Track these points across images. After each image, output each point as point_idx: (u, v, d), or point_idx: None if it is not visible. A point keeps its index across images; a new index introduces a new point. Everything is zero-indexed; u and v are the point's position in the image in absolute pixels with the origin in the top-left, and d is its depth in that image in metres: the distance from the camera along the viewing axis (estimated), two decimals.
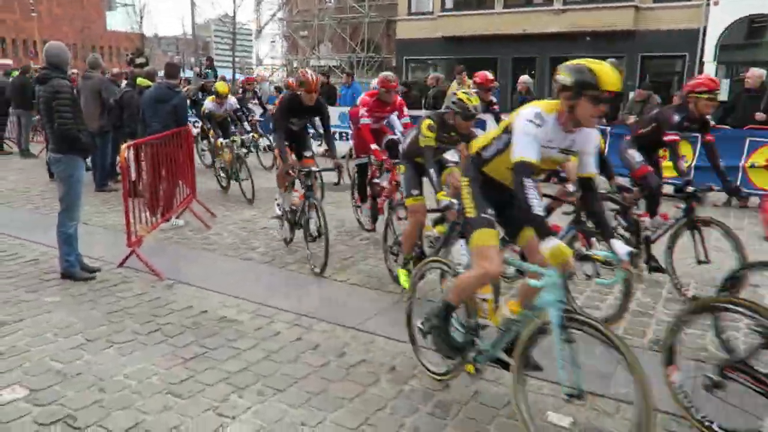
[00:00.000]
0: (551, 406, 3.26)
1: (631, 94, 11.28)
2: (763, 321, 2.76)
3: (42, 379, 3.40)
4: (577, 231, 4.77)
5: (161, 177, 6.79)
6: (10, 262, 5.56)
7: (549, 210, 5.56)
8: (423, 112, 10.42)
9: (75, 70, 13.68)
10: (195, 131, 10.72)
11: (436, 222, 4.84)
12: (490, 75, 7.85)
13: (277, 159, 9.14)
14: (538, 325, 2.80)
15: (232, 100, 9.55)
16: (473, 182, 3.24)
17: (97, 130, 8.78)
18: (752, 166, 8.42)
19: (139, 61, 15.47)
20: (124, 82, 9.92)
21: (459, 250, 3.99)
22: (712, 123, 9.08)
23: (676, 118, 4.91)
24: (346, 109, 11.06)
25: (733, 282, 3.83)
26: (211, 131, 9.84)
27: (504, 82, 20.14)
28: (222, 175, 9.25)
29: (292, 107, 5.71)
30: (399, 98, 6.45)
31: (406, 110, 6.63)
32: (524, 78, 11.46)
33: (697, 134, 5.57)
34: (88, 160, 8.54)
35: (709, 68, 19.32)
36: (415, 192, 4.73)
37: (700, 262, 4.88)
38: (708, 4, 19.29)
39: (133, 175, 6.88)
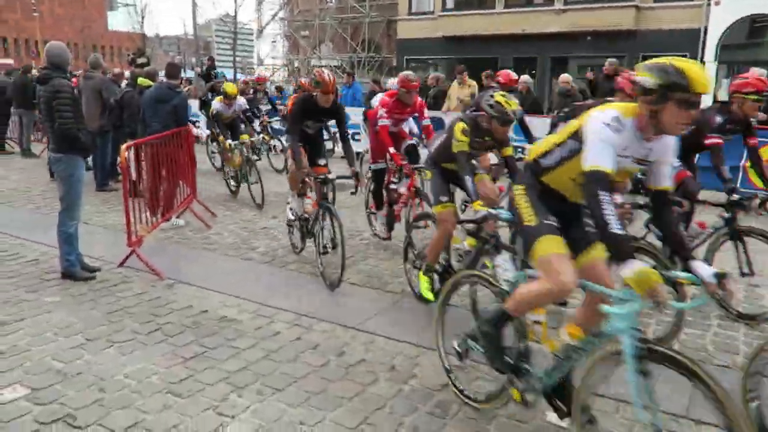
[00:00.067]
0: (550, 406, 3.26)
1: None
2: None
3: (42, 379, 3.41)
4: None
5: (161, 177, 6.80)
6: (10, 261, 5.57)
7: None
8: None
9: (79, 71, 13.66)
10: (196, 131, 10.68)
11: (470, 234, 4.37)
12: (514, 74, 7.20)
13: (289, 161, 9.14)
14: (607, 354, 2.49)
15: (241, 101, 9.21)
16: (530, 190, 2.92)
17: (98, 130, 8.80)
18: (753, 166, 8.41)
19: (140, 61, 15.52)
20: (124, 83, 9.93)
21: (503, 264, 3.72)
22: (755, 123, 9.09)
23: (718, 119, 4.58)
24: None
25: None
26: (221, 134, 9.35)
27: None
28: (232, 181, 8.89)
29: (307, 109, 5.34)
30: (419, 99, 6.13)
31: (426, 112, 6.31)
32: (524, 78, 11.44)
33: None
34: (89, 159, 8.56)
35: (710, 68, 19.31)
36: (444, 199, 4.39)
37: (743, 274, 4.56)
38: (709, 4, 19.28)
39: (134, 175, 6.89)
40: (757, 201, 4.50)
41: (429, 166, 4.60)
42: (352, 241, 6.61)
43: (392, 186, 6.27)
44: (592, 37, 21.22)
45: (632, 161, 2.64)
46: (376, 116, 6.10)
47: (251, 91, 12.33)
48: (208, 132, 10.70)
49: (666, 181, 2.72)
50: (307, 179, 5.37)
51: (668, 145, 2.65)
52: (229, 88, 8.89)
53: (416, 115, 6.38)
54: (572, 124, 2.77)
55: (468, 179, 3.99)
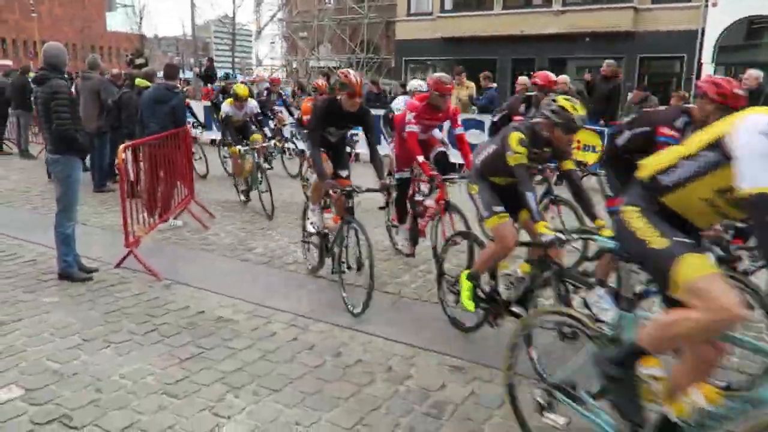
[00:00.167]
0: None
1: (629, 95, 11.30)
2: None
3: (38, 379, 3.41)
4: (549, 201, 5.07)
5: (159, 178, 6.80)
6: (8, 262, 5.57)
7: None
8: None
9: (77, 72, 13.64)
10: (195, 131, 10.62)
11: (527, 259, 3.94)
12: (552, 75, 6.49)
13: (304, 166, 8.59)
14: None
15: (253, 104, 8.64)
16: (646, 213, 2.44)
17: (96, 131, 8.80)
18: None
19: (138, 61, 15.52)
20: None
21: (600, 302, 3.20)
22: None
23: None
24: None
25: None
26: (230, 141, 8.69)
27: (503, 83, 20.18)
28: (242, 194, 8.36)
29: (330, 114, 4.79)
30: (453, 105, 5.58)
31: (460, 119, 5.77)
32: (523, 79, 11.42)
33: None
34: (87, 160, 8.55)
35: (708, 69, 19.34)
36: (498, 209, 3.84)
37: None
38: (707, 6, 19.31)
39: (132, 176, 6.89)
40: None
41: (475, 179, 4.04)
42: None
43: (418, 198, 5.82)
44: (591, 39, 21.24)
45: None
46: (403, 121, 5.63)
47: (264, 93, 11.83)
48: (218, 135, 10.60)
49: None
50: (332, 191, 4.76)
51: None
52: (240, 89, 8.40)
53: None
54: (708, 133, 2.29)
55: (530, 196, 3.50)
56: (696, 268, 2.21)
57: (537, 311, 3.16)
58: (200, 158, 10.34)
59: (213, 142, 13.52)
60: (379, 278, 5.35)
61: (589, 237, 3.42)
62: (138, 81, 8.55)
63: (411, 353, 3.89)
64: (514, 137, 3.63)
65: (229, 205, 8.37)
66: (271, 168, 10.19)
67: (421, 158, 5.29)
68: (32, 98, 8.70)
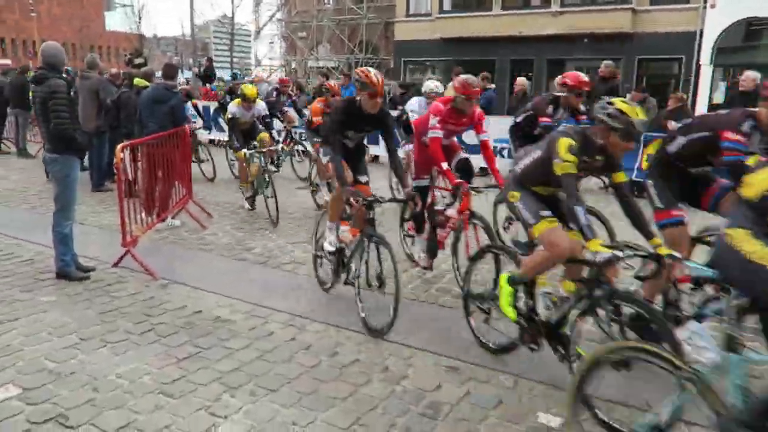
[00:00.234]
0: (542, 407, 3.28)
1: (628, 97, 11.32)
2: None
3: (35, 378, 3.42)
4: None
5: (157, 177, 6.80)
6: (6, 261, 5.57)
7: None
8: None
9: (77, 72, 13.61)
10: (203, 132, 10.49)
11: (575, 279, 3.53)
12: (583, 75, 6.01)
13: (314, 165, 8.16)
14: None
15: (261, 105, 8.25)
16: (759, 235, 2.25)
17: (94, 130, 8.80)
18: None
19: (137, 61, 15.50)
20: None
21: (697, 338, 2.70)
22: None
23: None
24: None
25: None
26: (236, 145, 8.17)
27: (502, 84, 20.21)
28: (247, 203, 7.97)
29: (350, 116, 4.47)
30: (478, 109, 5.23)
31: (486, 125, 5.32)
32: (521, 80, 11.50)
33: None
34: (86, 160, 8.55)
35: (706, 71, 19.40)
36: (545, 213, 3.54)
37: None
38: (705, 7, 19.35)
39: (130, 175, 6.90)
40: None
41: (514, 186, 3.72)
42: None
43: (437, 207, 5.46)
44: (589, 40, 21.28)
45: None
46: (423, 125, 5.30)
47: (274, 93, 11.28)
48: (217, 135, 10.46)
49: None
50: (353, 201, 4.28)
51: None
52: (249, 90, 8.02)
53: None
54: None
55: (579, 210, 3.12)
56: None
57: (613, 347, 2.60)
58: (207, 160, 10.13)
59: (211, 142, 13.47)
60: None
61: (648, 255, 3.11)
62: (137, 81, 8.56)
63: (407, 353, 3.90)
64: (563, 143, 3.25)
65: (228, 205, 8.37)
66: (278, 171, 10.02)
67: (445, 165, 4.94)
68: (31, 97, 8.71)
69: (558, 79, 6.23)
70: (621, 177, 3.41)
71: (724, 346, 2.47)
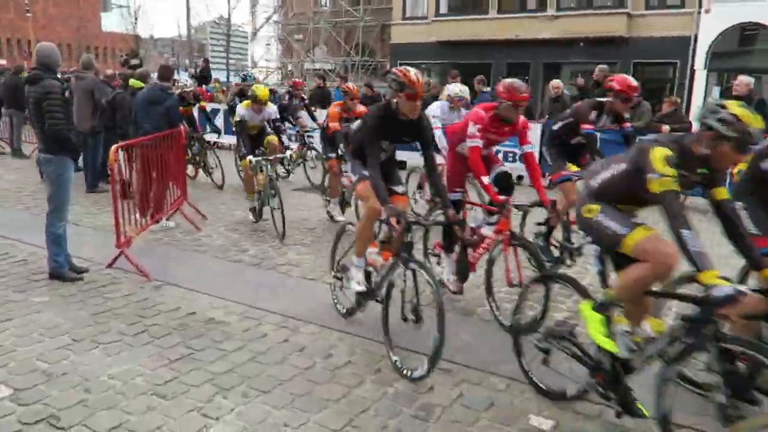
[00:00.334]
0: (533, 410, 3.30)
1: None
2: None
3: (27, 379, 3.41)
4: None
5: (152, 178, 6.80)
6: None
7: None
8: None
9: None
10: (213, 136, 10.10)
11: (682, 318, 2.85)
12: (632, 80, 5.36)
13: (329, 173, 7.55)
14: None
15: (272, 109, 7.59)
16: None
17: (89, 131, 8.79)
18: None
19: (133, 62, 15.51)
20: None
21: None
22: None
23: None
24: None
25: None
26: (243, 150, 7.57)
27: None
28: (253, 204, 7.43)
29: (387, 122, 3.92)
30: (523, 117, 4.74)
31: (530, 135, 4.93)
32: (556, 82, 11.46)
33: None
34: (80, 161, 8.54)
35: (701, 76, 19.51)
36: (638, 221, 3.06)
37: None
38: (700, 12, 19.48)
39: (125, 176, 6.89)
40: None
41: (588, 200, 3.19)
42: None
43: (470, 224, 4.82)
44: (585, 44, 21.37)
45: None
46: (459, 133, 4.86)
47: (286, 97, 10.66)
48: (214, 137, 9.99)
49: None
50: (395, 222, 3.63)
51: None
52: (260, 91, 7.32)
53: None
54: None
55: (687, 235, 2.60)
56: None
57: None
58: (216, 167, 9.64)
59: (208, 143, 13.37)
60: None
61: (761, 291, 2.67)
62: (132, 82, 8.55)
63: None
64: (659, 155, 2.76)
65: (221, 204, 8.37)
66: (288, 176, 9.87)
67: (486, 179, 4.51)
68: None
69: (599, 73, 5.79)
70: (723, 193, 2.92)
71: None
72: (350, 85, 7.73)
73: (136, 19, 47.83)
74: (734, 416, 2.52)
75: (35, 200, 8.16)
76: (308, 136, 10.35)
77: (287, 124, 9.97)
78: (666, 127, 8.76)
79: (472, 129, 4.62)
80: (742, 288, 2.53)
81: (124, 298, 4.77)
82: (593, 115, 5.28)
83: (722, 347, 2.58)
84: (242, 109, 7.32)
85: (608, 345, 3.02)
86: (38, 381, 3.39)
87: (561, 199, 5.29)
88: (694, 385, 3.15)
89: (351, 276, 4.28)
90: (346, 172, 7.03)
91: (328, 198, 7.68)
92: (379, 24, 28.88)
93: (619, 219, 3.06)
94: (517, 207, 4.51)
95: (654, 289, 3.03)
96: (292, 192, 9.13)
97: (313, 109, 10.77)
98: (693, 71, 19.85)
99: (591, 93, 10.60)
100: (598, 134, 5.57)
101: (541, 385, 3.43)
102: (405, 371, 3.58)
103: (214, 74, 21.75)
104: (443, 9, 24.98)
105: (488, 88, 12.39)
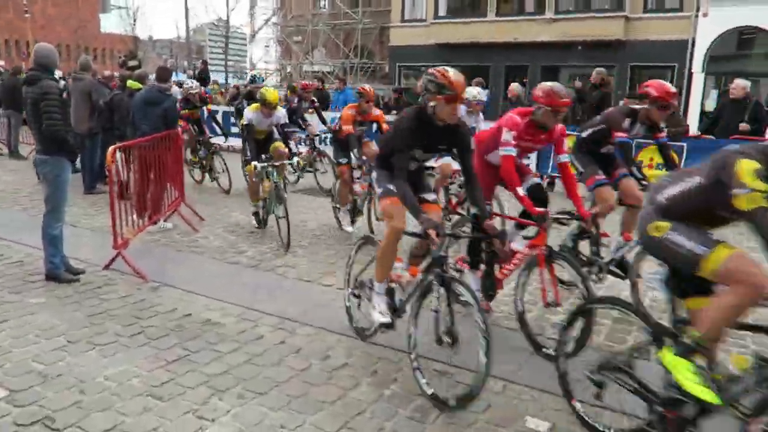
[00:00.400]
0: (530, 411, 3.30)
1: (621, 103, 11.39)
2: None
3: (22, 380, 3.40)
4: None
5: (149, 180, 6.79)
6: None
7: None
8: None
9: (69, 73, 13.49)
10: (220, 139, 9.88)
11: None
12: (670, 86, 4.87)
13: (339, 179, 7.18)
14: None
15: (281, 113, 7.19)
16: None
17: (87, 132, 8.79)
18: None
19: (131, 63, 15.48)
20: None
21: None
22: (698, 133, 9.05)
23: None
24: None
25: None
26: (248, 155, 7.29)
27: (496, 90, 20.31)
28: (255, 209, 7.21)
29: (422, 128, 3.55)
30: (560, 125, 4.42)
31: (567, 144, 4.55)
32: (515, 86, 11.57)
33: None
34: (78, 162, 8.53)
35: (698, 79, 19.56)
36: (718, 239, 2.66)
37: None
38: (697, 16, 19.54)
39: (123, 177, 6.88)
40: None
41: (659, 217, 2.81)
42: (339, 245, 6.62)
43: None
44: (583, 47, 21.43)
45: None
46: (489, 140, 4.55)
47: (295, 99, 10.34)
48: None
49: None
50: (433, 234, 3.29)
51: None
52: (270, 95, 6.86)
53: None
54: None
55: None
56: None
57: None
58: (223, 171, 9.38)
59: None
60: None
61: None
62: (130, 83, 8.55)
63: (397, 357, 3.90)
64: (747, 167, 2.44)
65: (217, 205, 8.36)
66: (297, 182, 9.76)
67: (521, 191, 4.14)
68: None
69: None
70: None
71: None
72: (366, 86, 7.19)
73: (134, 20, 47.83)
74: None
75: (32, 201, 8.15)
76: (319, 140, 10.02)
77: (295, 128, 9.75)
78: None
79: (506, 136, 4.26)
80: None
81: (120, 299, 4.76)
82: (626, 122, 4.90)
83: None
84: (250, 112, 6.94)
85: (708, 396, 2.54)
86: (34, 382, 3.38)
87: (596, 208, 4.84)
88: None
89: (373, 303, 3.88)
90: (358, 179, 7.02)
91: (337, 205, 7.31)
92: (378, 26, 28.90)
93: (695, 236, 2.68)
94: (557, 220, 4.18)
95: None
96: (294, 194, 9.11)
97: (310, 111, 10.63)
98: (691, 74, 19.90)
99: (588, 96, 10.64)
100: (633, 143, 5.15)
101: (596, 425, 3.05)
102: (444, 399, 3.25)
103: (213, 76, 21.79)
104: (442, 11, 25.03)
105: (486, 91, 12.40)
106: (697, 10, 19.54)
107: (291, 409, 3.24)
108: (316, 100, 10.52)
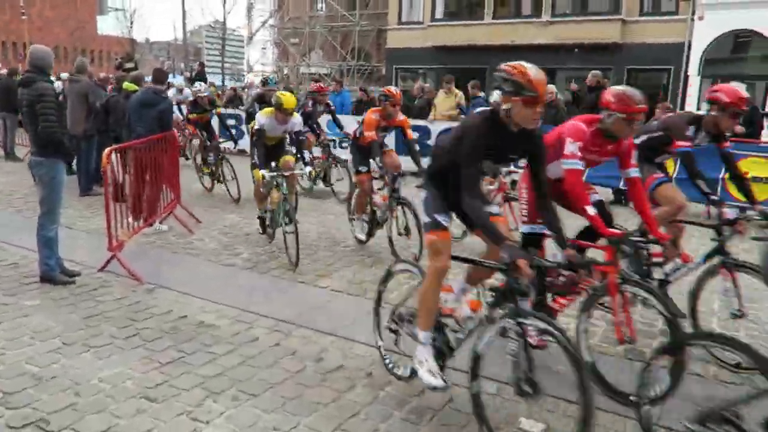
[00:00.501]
0: (524, 413, 3.30)
1: None
2: None
3: (16, 382, 3.39)
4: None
5: (145, 182, 6.79)
6: None
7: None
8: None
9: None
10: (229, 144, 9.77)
11: None
12: (743, 91, 4.43)
13: (358, 188, 6.57)
14: None
15: (297, 120, 6.64)
16: None
17: (83, 134, 8.77)
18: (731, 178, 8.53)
19: (128, 65, 15.47)
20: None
21: None
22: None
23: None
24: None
25: None
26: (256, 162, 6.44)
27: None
28: (261, 214, 6.83)
29: (495, 135, 3.04)
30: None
31: (634, 157, 3.87)
32: (551, 87, 11.51)
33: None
34: (74, 164, 8.52)
35: (694, 82, 19.63)
36: None
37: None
38: (693, 19, 19.62)
39: (119, 178, 6.88)
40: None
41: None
42: (336, 247, 6.63)
43: (548, 260, 3.48)
44: (579, 50, 21.49)
45: None
46: (549, 150, 3.80)
47: (310, 103, 9.66)
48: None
49: None
50: (523, 267, 2.74)
51: None
52: (287, 100, 6.22)
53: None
54: None
55: None
56: None
57: None
58: (232, 179, 8.95)
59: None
60: (362, 284, 5.38)
61: None
62: (126, 85, 8.54)
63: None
64: None
65: (214, 206, 8.35)
66: (311, 189, 9.53)
67: (592, 210, 3.57)
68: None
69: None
70: None
71: None
72: (392, 88, 6.52)
73: (131, 22, 47.83)
74: None
75: (27, 203, 8.13)
76: (335, 147, 9.71)
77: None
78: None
79: (570, 147, 3.69)
80: None
81: (115, 301, 4.75)
82: (690, 131, 4.46)
83: None
84: (263, 117, 6.35)
85: None
86: (27, 384, 3.37)
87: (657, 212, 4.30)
88: None
89: (418, 358, 3.27)
90: (380, 189, 6.53)
91: (353, 217, 6.75)
92: (375, 29, 28.96)
93: None
94: (634, 244, 3.56)
95: None
96: (300, 197, 9.00)
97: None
98: (687, 77, 19.98)
99: (585, 98, 10.67)
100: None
101: None
102: None
103: (210, 78, 21.78)
104: (439, 14, 25.08)
105: (482, 93, 12.44)
106: (693, 13, 19.63)
107: (285, 410, 3.24)
108: (332, 104, 10.01)
